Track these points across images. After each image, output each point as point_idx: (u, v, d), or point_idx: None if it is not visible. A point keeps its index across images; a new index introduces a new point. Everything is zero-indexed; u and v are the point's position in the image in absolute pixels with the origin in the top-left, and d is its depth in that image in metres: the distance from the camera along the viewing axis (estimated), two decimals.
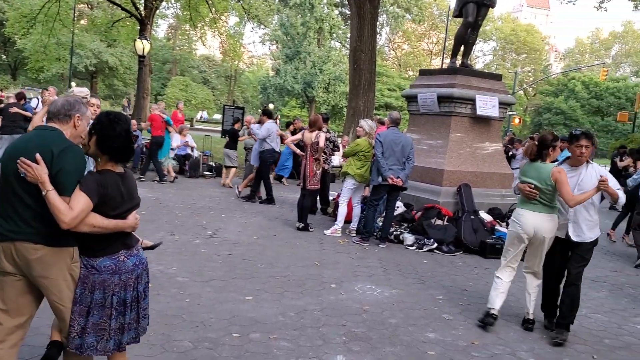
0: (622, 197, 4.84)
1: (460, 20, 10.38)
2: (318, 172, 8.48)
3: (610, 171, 10.31)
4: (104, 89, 51.18)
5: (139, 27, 26.02)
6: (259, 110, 39.18)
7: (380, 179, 7.86)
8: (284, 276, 6.05)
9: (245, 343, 4.19)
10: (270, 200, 10.72)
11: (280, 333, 4.43)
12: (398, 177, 7.81)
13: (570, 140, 4.94)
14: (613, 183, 4.78)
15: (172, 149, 14.27)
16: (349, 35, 23.56)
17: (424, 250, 7.98)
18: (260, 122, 10.71)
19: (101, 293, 2.86)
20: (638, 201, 8.83)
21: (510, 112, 38.87)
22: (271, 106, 51.53)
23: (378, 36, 49.01)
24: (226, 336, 4.29)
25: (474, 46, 11.17)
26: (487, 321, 5.01)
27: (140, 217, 3.09)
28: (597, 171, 4.89)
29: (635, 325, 5.57)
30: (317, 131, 8.48)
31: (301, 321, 4.74)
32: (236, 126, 12.98)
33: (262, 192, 11.08)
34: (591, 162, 5.00)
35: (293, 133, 13.11)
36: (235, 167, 13.02)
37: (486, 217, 8.77)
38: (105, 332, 2.88)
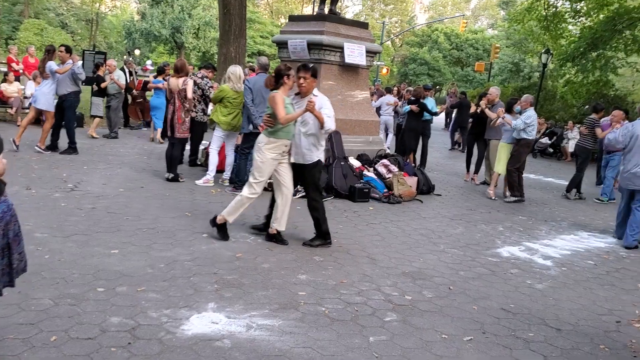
0: (330, 124, 5.56)
1: None
2: (187, 119, 8.20)
3: (474, 116, 11.06)
4: None
5: None
6: (124, 57, 37.00)
7: (251, 126, 7.77)
8: (152, 228, 5.86)
9: (111, 297, 4.03)
10: (74, 149, 9.66)
11: (148, 285, 4.32)
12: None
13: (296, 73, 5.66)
14: (326, 111, 5.55)
15: (25, 97, 13.10)
16: None
17: (298, 196, 8.06)
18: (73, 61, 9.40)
19: None
20: (524, 150, 9.51)
21: (379, 62, 40.05)
22: (137, 52, 48.91)
23: None
24: (90, 291, 4.10)
25: None
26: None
27: None
28: (320, 100, 5.65)
29: (487, 257, 6.09)
30: (184, 77, 8.15)
31: (171, 272, 4.65)
32: (100, 72, 12.15)
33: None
34: (316, 94, 5.71)
35: None
36: (101, 117, 12.27)
37: (355, 162, 9.05)
38: None
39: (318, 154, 5.76)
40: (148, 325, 3.67)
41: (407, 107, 11.72)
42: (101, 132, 12.28)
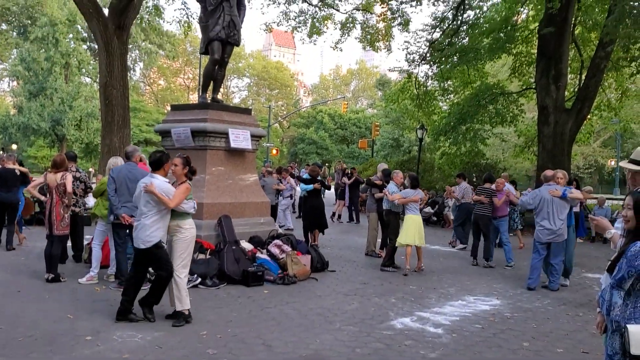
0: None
1: (208, 57, 10.60)
2: (66, 215, 7.83)
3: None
4: None
5: None
6: (0, 152, 34.99)
7: (112, 217, 7.54)
8: (30, 335, 5.42)
9: None
10: None
11: None
12: (132, 216, 7.25)
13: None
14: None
15: None
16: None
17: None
18: None
19: None
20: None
21: (268, 144, 40.87)
22: (14, 147, 46.56)
23: (132, 71, 47.78)
24: None
25: (223, 82, 11.50)
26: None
27: None
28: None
29: (382, 331, 6.17)
30: (63, 172, 7.85)
31: None
32: None
33: None
34: None
35: None
36: None
37: (247, 246, 9.00)
38: None
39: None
40: None
41: (306, 187, 11.99)
42: None
